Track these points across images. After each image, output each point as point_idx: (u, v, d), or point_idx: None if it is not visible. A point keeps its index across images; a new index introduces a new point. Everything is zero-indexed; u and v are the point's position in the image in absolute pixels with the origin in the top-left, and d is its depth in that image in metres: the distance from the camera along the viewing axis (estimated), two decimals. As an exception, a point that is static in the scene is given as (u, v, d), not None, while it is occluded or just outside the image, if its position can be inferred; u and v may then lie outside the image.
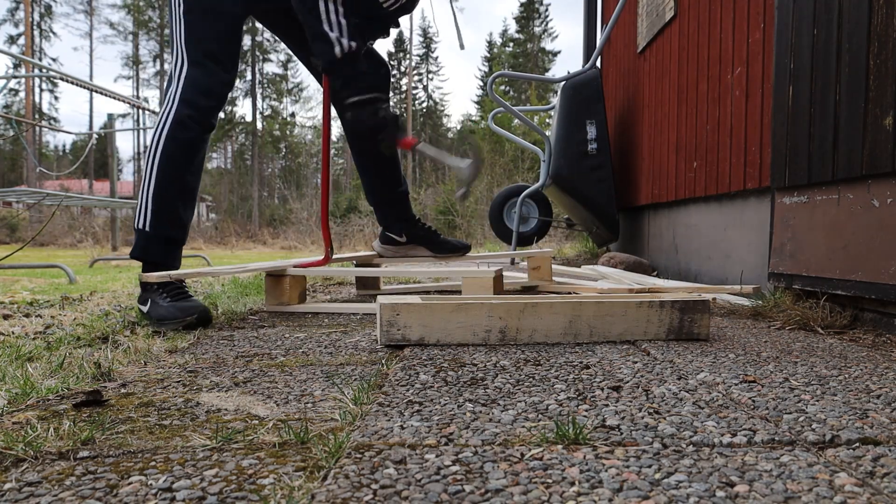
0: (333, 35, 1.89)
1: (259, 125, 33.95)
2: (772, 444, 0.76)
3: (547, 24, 34.56)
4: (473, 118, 32.39)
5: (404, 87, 35.45)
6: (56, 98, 35.61)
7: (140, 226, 1.91)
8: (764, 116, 2.21)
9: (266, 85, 35.22)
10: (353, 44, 1.91)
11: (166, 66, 34.01)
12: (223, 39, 1.95)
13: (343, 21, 1.90)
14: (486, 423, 0.84)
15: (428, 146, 2.02)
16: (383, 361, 1.26)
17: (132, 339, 1.49)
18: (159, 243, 1.92)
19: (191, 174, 1.96)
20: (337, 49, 1.91)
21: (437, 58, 39.24)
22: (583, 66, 3.76)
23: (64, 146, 39.79)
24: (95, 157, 26.76)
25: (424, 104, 37.58)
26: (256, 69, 33.84)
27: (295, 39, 2.30)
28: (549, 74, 28.79)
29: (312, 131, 35.58)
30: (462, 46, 2.22)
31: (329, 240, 2.29)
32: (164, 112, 1.93)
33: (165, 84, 1.97)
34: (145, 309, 1.88)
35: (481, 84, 34.00)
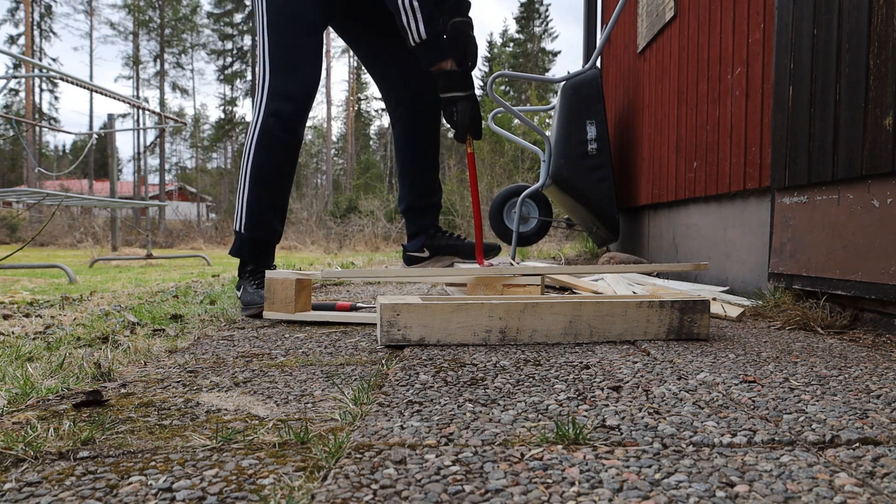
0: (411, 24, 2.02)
1: (259, 125, 33.88)
2: (772, 445, 0.76)
3: (547, 24, 34.51)
4: (473, 118, 32.31)
5: (404, 87, 35.36)
6: (56, 98, 35.58)
7: (237, 228, 2.08)
8: (764, 116, 2.20)
9: (266, 85, 35.09)
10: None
11: (167, 66, 34.01)
12: (303, 48, 2.03)
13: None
14: (486, 424, 0.84)
15: None
16: (383, 361, 1.26)
17: (132, 339, 1.49)
18: (252, 245, 2.07)
19: (280, 179, 2.07)
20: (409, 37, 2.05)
21: (437, 58, 39.06)
22: (583, 66, 3.76)
23: (64, 146, 39.84)
24: (95, 157, 26.76)
25: (424, 104, 37.46)
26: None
27: (369, 54, 2.40)
28: (549, 74, 28.78)
29: (312, 131, 35.58)
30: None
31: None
32: (253, 121, 2.05)
33: (254, 95, 2.13)
34: (240, 294, 2.06)
35: (481, 84, 33.94)
